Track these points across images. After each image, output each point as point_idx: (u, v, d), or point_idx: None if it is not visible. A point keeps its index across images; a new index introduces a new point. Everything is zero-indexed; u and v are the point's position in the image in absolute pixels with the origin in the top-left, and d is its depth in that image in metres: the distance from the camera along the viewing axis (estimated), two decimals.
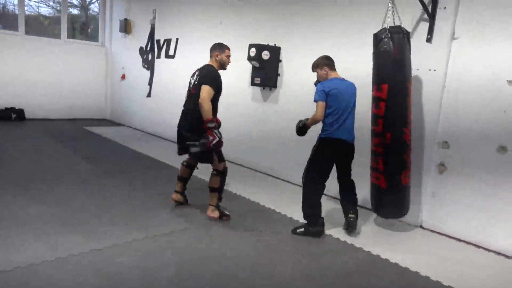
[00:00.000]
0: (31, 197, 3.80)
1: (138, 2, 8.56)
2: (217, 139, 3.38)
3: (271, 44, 5.32)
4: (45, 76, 8.75)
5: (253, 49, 5.21)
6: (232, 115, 6.15)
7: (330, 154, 3.44)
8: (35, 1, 10.24)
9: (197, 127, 3.46)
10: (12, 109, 8.41)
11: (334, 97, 3.33)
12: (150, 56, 8.21)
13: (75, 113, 9.25)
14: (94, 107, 9.59)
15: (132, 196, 4.16)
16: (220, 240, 3.28)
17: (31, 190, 4.01)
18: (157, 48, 7.96)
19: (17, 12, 8.58)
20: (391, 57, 3.34)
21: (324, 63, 3.46)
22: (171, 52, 7.58)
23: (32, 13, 10.23)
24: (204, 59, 6.61)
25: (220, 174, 3.62)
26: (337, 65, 3.56)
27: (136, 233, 3.21)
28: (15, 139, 6.58)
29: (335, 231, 3.63)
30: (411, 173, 3.61)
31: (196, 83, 3.60)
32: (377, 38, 3.41)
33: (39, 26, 10.11)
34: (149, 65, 8.23)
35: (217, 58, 3.75)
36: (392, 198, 3.54)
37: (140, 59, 8.51)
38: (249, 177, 5.42)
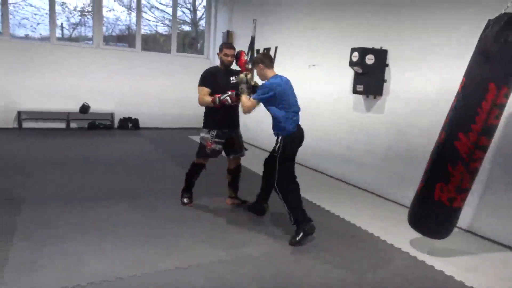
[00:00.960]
0: (129, 206, 3.94)
1: (240, 14, 8.71)
2: (227, 95, 3.63)
3: (376, 47, 4.78)
4: (156, 88, 9.46)
5: (356, 54, 4.73)
6: (330, 124, 5.74)
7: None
8: (153, 21, 11.26)
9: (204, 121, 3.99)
10: (129, 119, 9.27)
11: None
12: (249, 65, 8.24)
13: (183, 122, 9.79)
14: (199, 117, 10.02)
15: (217, 207, 4.05)
16: (308, 268, 2.91)
17: (128, 200, 4.17)
18: None
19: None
20: None
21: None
22: None
23: (152, 32, 11.27)
24: (302, 66, 6.47)
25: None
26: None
27: (221, 252, 3.04)
28: (127, 146, 7.16)
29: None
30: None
31: None
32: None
33: (156, 43, 11.07)
34: None
35: (219, 57, 3.98)
36: (419, 212, 3.05)
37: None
38: (345, 193, 4.92)
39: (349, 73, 5.20)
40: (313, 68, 6.16)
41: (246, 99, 3.44)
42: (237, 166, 4.16)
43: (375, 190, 4.94)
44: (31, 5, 9.00)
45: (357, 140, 5.23)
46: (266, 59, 3.49)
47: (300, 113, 3.56)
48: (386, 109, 4.79)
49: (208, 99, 3.74)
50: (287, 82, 3.47)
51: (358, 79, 4.92)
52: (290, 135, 3.42)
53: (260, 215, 3.91)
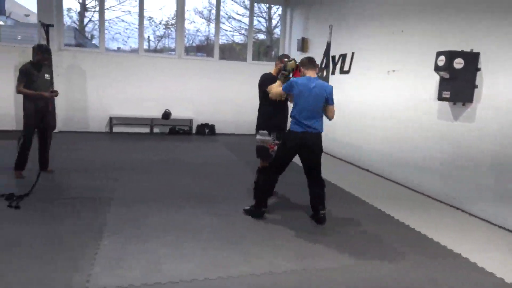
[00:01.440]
0: (207, 210, 4.08)
1: (315, 20, 8.63)
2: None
3: (466, 49, 4.39)
4: (232, 95, 9.75)
5: (442, 57, 4.39)
6: (410, 132, 5.39)
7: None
8: (230, 31, 11.70)
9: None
10: (206, 125, 9.68)
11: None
12: (325, 73, 8.11)
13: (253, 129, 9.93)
14: None
15: (289, 216, 4.00)
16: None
17: (207, 204, 4.32)
18: (332, 64, 7.79)
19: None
20: None
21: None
22: (346, 68, 7.28)
23: (228, 42, 11.72)
24: (381, 72, 6.19)
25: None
26: None
27: (291, 262, 2.99)
28: (205, 151, 7.48)
29: None
30: None
31: None
32: None
33: (232, 52, 11.48)
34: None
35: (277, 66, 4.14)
36: None
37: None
38: (429, 207, 4.57)
39: (433, 79, 4.85)
40: (393, 74, 5.86)
41: (277, 85, 3.83)
42: None
43: (458, 204, 4.51)
44: (123, 20, 9.91)
45: (441, 150, 4.84)
46: (306, 61, 3.76)
47: (318, 123, 3.72)
48: (477, 117, 4.36)
49: (277, 89, 3.85)
50: (309, 87, 3.61)
51: (444, 84, 4.56)
52: (290, 132, 3.70)
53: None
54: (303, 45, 8.93)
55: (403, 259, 3.13)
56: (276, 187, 4.06)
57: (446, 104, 4.75)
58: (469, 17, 4.48)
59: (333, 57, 7.75)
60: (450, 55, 4.33)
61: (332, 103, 3.75)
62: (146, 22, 9.60)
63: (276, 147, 3.98)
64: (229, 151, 7.59)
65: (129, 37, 10.04)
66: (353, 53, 7.05)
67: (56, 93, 5.00)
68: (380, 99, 6.08)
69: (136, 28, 9.44)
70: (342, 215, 4.14)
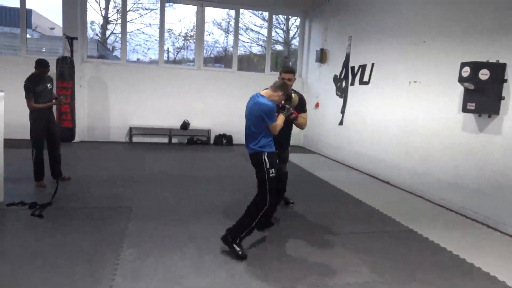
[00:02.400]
0: (226, 223, 4.04)
1: (334, 32, 8.61)
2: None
3: (492, 60, 4.29)
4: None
5: (467, 68, 4.30)
6: (432, 145, 5.27)
7: None
8: (248, 42, 11.78)
9: None
10: (224, 135, 9.71)
11: None
12: (344, 84, 8.06)
13: None
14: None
15: (308, 229, 3.93)
16: None
17: (225, 217, 4.29)
18: (351, 75, 7.74)
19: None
20: None
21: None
22: (365, 78, 7.21)
23: (246, 53, 11.80)
24: (402, 83, 6.10)
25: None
26: None
27: (313, 277, 2.92)
28: (224, 162, 7.49)
29: None
30: None
31: None
32: None
33: (250, 63, 11.54)
34: (342, 93, 8.08)
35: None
36: None
37: (333, 87, 8.48)
38: (458, 227, 4.41)
39: (457, 90, 4.74)
40: (414, 85, 5.76)
41: (281, 121, 3.47)
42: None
43: (486, 220, 4.36)
44: (143, 33, 10.11)
45: (465, 163, 4.70)
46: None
47: (252, 143, 3.41)
48: (503, 129, 4.23)
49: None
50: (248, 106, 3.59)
51: (468, 96, 4.45)
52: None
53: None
54: (321, 56, 8.91)
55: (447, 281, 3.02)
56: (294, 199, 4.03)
57: (471, 116, 4.62)
58: (494, 27, 4.38)
59: (352, 68, 7.69)
60: (475, 66, 4.23)
61: (271, 122, 3.33)
62: (165, 34, 9.77)
63: None
64: (245, 162, 7.55)
65: (149, 48, 10.23)
66: (373, 64, 6.98)
67: (62, 99, 5.23)
68: (402, 110, 5.98)
69: (156, 40, 9.62)
70: (366, 231, 4.05)
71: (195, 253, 3.22)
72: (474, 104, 4.38)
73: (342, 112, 8.01)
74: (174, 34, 10.74)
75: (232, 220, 4.04)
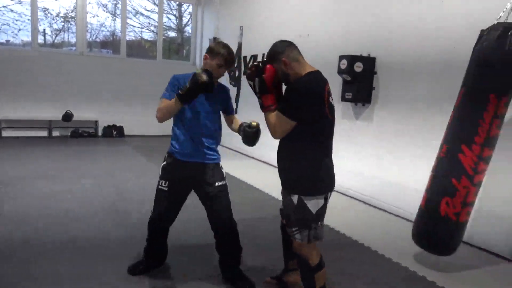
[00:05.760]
0: (117, 221, 3.79)
1: (226, 21, 8.65)
2: None
3: (364, 54, 4.77)
4: (140, 94, 9.26)
5: (344, 61, 4.71)
6: None
7: None
8: (139, 27, 11.12)
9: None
10: (113, 127, 9.07)
11: None
12: (237, 73, 8.18)
13: (167, 129, 9.61)
14: None
15: None
16: None
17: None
18: (244, 65, 7.89)
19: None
20: None
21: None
22: None
23: (137, 38, 11.12)
24: None
25: None
26: None
27: None
28: (113, 156, 7.00)
29: None
30: None
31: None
32: None
33: (141, 49, 10.92)
34: (236, 82, 8.20)
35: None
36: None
37: (227, 76, 8.55)
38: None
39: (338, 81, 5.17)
40: None
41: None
42: None
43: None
44: (12, 10, 8.77)
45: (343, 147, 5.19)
46: None
47: None
48: (374, 117, 4.76)
49: None
50: None
51: (346, 86, 4.89)
52: None
53: None
54: None
55: None
56: None
57: (349, 104, 5.10)
58: (366, 24, 4.87)
59: (245, 58, 7.84)
60: (352, 59, 4.65)
61: None
62: (40, 13, 8.64)
63: None
64: (140, 154, 7.20)
65: (20, 29, 8.93)
66: (264, 54, 7.21)
67: None
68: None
69: (28, 19, 8.45)
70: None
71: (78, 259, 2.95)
72: (350, 94, 4.83)
73: (236, 101, 8.14)
74: (51, 14, 9.57)
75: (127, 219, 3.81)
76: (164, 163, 2.58)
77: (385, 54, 4.59)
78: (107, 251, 3.04)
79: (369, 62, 4.67)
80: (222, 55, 2.42)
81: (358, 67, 4.62)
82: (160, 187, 2.55)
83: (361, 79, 4.67)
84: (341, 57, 4.78)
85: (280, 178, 2.25)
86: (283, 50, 2.20)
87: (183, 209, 2.65)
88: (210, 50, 2.47)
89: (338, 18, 5.34)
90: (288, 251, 2.52)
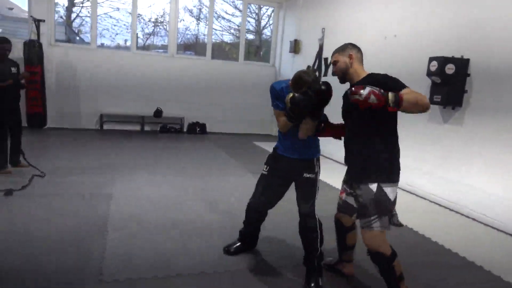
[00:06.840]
0: (208, 208, 4.15)
1: (308, 23, 8.79)
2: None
3: (456, 56, 4.61)
4: (222, 94, 9.80)
5: (434, 62, 4.60)
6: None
7: None
8: (220, 30, 11.75)
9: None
10: (197, 124, 9.71)
11: None
12: (317, 74, 8.28)
13: (246, 128, 10.06)
14: (262, 123, 10.22)
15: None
16: None
17: None
18: (325, 66, 7.96)
19: (206, 40, 9.98)
20: None
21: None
22: None
23: (217, 41, 11.76)
24: None
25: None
26: None
27: None
28: (197, 150, 7.54)
29: None
30: None
31: None
32: None
33: (221, 52, 11.53)
34: None
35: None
36: None
37: None
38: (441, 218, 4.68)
39: (426, 83, 5.04)
40: None
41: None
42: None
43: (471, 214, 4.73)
44: (111, 17, 9.84)
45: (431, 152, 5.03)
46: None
47: None
48: (464, 121, 4.57)
49: None
50: None
51: (435, 88, 4.76)
52: None
53: None
54: (295, 46, 9.07)
55: None
56: None
57: (436, 107, 4.95)
58: (460, 24, 4.69)
59: (326, 59, 7.91)
60: (444, 61, 4.52)
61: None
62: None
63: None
64: (222, 151, 7.65)
65: (117, 33, 9.98)
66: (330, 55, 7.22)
67: (27, 74, 5.23)
68: None
69: (124, 25, 9.42)
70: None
71: (181, 237, 3.32)
72: (439, 97, 4.69)
73: None
74: (143, 19, 10.53)
75: (215, 206, 4.17)
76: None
77: (481, 56, 4.38)
78: (205, 231, 3.43)
79: (462, 64, 4.50)
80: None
81: (450, 69, 4.47)
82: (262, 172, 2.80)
83: (453, 81, 4.52)
84: (431, 59, 4.66)
85: (352, 170, 2.43)
86: (353, 48, 2.55)
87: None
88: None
89: (429, 19, 5.20)
90: (343, 242, 2.71)
